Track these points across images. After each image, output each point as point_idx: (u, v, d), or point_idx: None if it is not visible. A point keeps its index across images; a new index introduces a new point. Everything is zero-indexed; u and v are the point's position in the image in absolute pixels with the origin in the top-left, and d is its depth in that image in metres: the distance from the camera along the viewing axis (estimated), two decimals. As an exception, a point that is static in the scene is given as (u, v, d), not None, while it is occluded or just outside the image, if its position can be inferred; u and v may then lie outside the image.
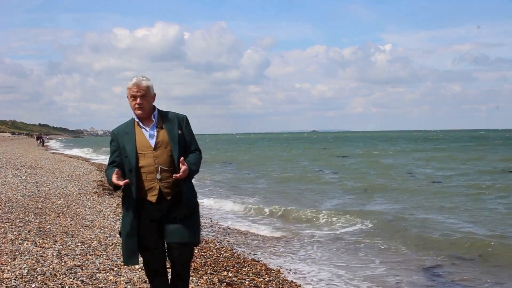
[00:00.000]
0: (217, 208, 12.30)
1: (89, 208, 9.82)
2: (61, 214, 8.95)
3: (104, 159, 31.46)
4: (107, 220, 8.54)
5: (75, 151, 48.37)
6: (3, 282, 4.76)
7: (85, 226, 7.88)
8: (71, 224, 7.98)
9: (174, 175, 3.40)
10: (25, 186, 12.80)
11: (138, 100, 3.48)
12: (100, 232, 7.48)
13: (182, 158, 3.43)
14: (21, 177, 15.34)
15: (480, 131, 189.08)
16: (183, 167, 3.40)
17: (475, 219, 10.36)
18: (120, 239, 3.67)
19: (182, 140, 3.54)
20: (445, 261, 7.23)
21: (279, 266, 6.60)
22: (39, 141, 58.66)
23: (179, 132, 3.54)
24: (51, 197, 11.12)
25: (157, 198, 3.46)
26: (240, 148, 56.71)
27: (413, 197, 13.74)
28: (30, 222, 7.93)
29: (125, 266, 5.47)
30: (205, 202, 12.69)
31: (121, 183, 3.35)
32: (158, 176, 3.44)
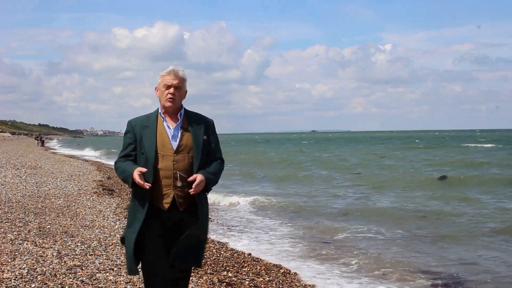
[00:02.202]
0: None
1: (89, 208, 9.82)
2: (61, 214, 8.96)
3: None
4: (107, 220, 8.54)
5: (87, 151, 48.15)
6: (3, 282, 4.76)
7: (85, 226, 7.88)
8: (71, 224, 7.98)
9: (190, 191, 3.09)
10: (25, 186, 12.80)
11: (171, 90, 3.16)
12: (100, 232, 7.48)
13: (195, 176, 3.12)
14: (21, 177, 15.34)
15: (478, 131, 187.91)
16: (197, 179, 3.08)
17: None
18: (122, 245, 3.37)
19: (207, 147, 3.23)
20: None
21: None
22: (38, 141, 58.00)
23: (204, 137, 3.22)
24: (51, 197, 11.12)
25: (170, 206, 3.14)
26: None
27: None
28: (30, 222, 7.93)
29: (124, 266, 5.45)
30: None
31: (146, 185, 3.02)
32: (179, 184, 3.13)
